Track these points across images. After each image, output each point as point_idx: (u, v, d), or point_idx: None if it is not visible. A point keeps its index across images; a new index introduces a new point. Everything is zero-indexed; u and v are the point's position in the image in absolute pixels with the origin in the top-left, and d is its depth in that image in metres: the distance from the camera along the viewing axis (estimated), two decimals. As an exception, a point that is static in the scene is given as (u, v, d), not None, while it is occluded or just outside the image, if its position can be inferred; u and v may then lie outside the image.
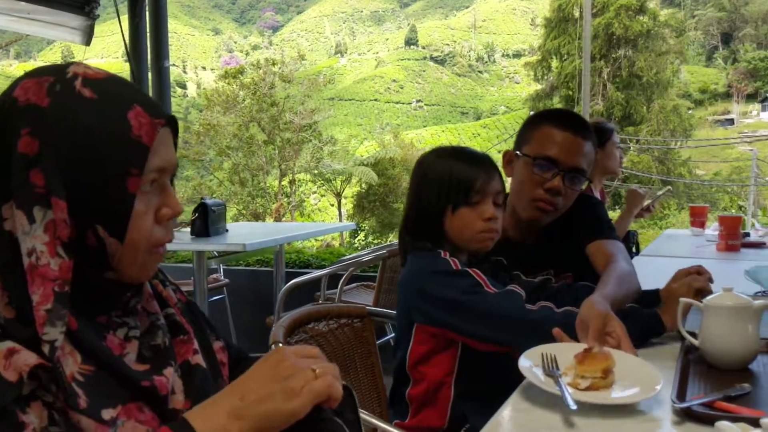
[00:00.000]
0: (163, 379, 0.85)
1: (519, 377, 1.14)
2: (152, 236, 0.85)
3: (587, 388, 1.02)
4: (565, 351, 1.13)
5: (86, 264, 0.81)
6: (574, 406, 0.96)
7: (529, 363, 1.09)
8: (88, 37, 4.66)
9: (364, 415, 1.40)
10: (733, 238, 2.83)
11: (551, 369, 1.07)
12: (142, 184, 0.82)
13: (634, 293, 1.56)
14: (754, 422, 0.77)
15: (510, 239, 1.85)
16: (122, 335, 0.86)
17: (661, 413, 1.03)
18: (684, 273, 1.56)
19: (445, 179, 1.51)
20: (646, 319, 1.43)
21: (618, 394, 1.04)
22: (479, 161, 1.54)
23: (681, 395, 1.11)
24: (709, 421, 0.92)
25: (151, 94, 4.93)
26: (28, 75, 0.84)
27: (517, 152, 1.83)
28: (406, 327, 1.54)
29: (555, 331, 1.28)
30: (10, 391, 0.71)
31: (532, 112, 2.31)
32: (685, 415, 1.02)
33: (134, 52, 4.87)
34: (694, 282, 1.50)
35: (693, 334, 1.36)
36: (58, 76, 0.82)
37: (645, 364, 1.16)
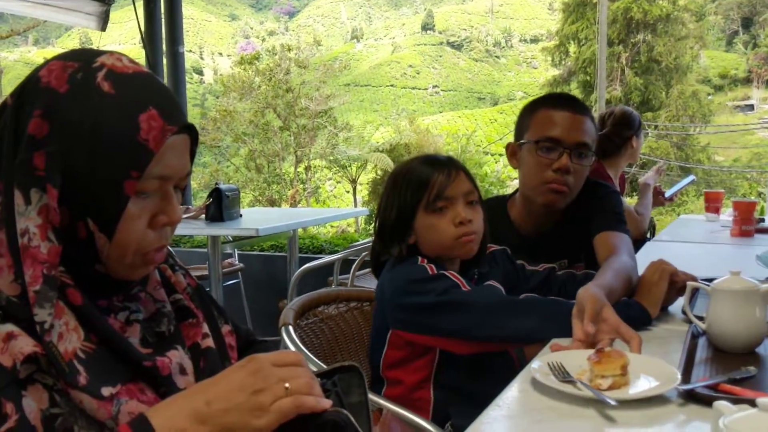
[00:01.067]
0: (165, 360, 0.86)
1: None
2: (143, 240, 0.84)
3: (609, 387, 1.03)
4: (569, 358, 1.13)
5: (77, 253, 0.82)
6: (613, 402, 0.96)
7: (541, 372, 1.08)
8: (103, 23, 4.69)
9: (372, 396, 1.42)
10: (747, 224, 2.81)
11: (564, 376, 1.06)
12: (139, 188, 0.82)
13: (631, 287, 1.52)
14: (754, 403, 0.77)
15: (521, 233, 1.85)
16: (123, 319, 0.88)
17: (667, 394, 1.04)
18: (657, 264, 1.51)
19: (407, 182, 1.46)
20: (635, 310, 1.40)
21: (645, 387, 1.04)
22: (441, 164, 1.46)
23: (686, 378, 1.11)
24: (711, 402, 0.92)
25: (165, 79, 4.96)
26: (59, 56, 0.84)
27: (520, 142, 1.82)
28: (382, 330, 1.49)
29: (553, 347, 1.24)
30: (4, 376, 0.73)
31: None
32: (689, 396, 1.03)
33: (149, 38, 4.91)
34: (666, 266, 1.47)
35: (700, 318, 1.36)
36: (83, 63, 0.83)
37: (646, 356, 1.16)
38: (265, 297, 4.44)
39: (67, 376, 0.76)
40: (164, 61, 5.00)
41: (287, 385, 0.77)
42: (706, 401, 0.98)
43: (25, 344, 0.75)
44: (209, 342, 0.94)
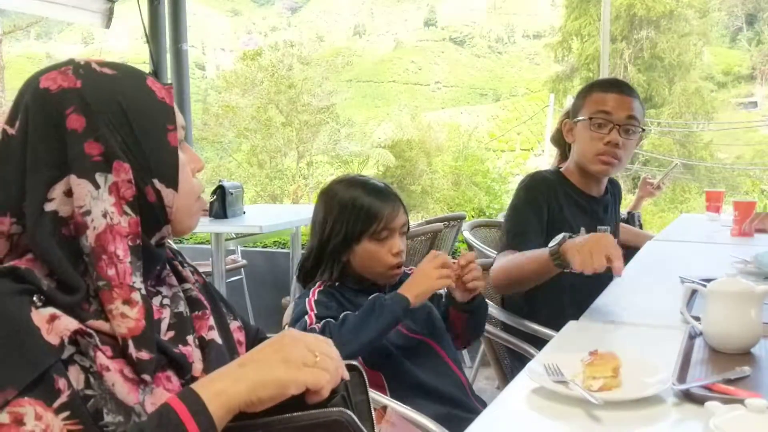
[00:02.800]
0: (189, 348, 0.91)
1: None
2: (195, 185, 0.96)
3: (600, 389, 1.05)
4: (567, 359, 1.15)
5: (145, 224, 0.89)
6: (597, 401, 0.99)
7: (539, 372, 1.12)
8: (107, 20, 4.70)
9: (373, 394, 1.44)
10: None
11: (558, 376, 1.09)
12: (179, 139, 0.93)
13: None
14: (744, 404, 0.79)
15: (584, 194, 2.12)
16: (158, 303, 0.93)
17: (662, 395, 1.06)
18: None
19: (353, 212, 1.55)
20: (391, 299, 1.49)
21: (636, 389, 1.06)
22: (386, 196, 1.58)
23: (682, 378, 1.14)
24: (705, 402, 0.94)
25: (169, 76, 4.97)
26: (41, 72, 0.90)
27: (575, 119, 2.07)
28: None
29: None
30: (52, 354, 0.77)
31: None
32: (684, 396, 1.05)
33: (153, 35, 4.91)
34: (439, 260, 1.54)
35: (697, 319, 1.38)
36: (74, 64, 0.90)
37: (640, 359, 1.19)
38: (267, 293, 4.47)
39: (138, 342, 0.82)
40: (168, 58, 5.01)
41: (317, 355, 0.82)
42: (699, 401, 1.01)
43: (70, 322, 0.79)
44: (214, 335, 0.98)
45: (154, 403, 0.82)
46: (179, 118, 0.94)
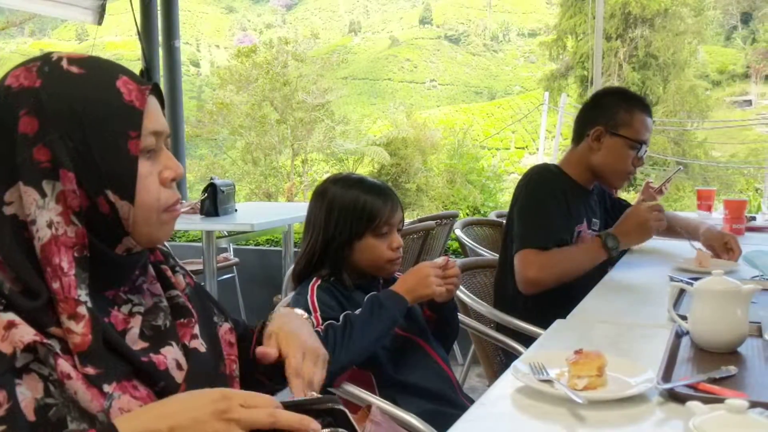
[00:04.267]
0: (160, 357, 0.88)
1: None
2: (161, 196, 0.89)
3: (585, 388, 1.05)
4: (553, 358, 1.16)
5: (102, 234, 0.85)
6: (581, 400, 0.99)
7: (524, 371, 1.12)
8: (99, 17, 4.69)
9: (357, 392, 1.44)
10: (738, 222, 2.83)
11: (543, 375, 1.10)
12: (141, 147, 0.86)
13: None
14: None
15: (583, 188, 2.19)
16: (126, 311, 0.90)
17: (647, 394, 1.06)
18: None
19: (356, 211, 1.60)
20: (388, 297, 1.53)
21: (620, 388, 1.07)
22: (386, 194, 1.64)
23: (667, 377, 1.14)
24: (688, 401, 0.94)
25: (161, 73, 4.96)
26: (15, 67, 0.88)
27: (614, 132, 2.09)
28: None
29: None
30: (1, 365, 0.75)
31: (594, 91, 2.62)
32: (669, 395, 1.05)
33: (145, 32, 4.90)
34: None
35: (684, 318, 1.38)
36: (44, 60, 0.87)
37: (624, 358, 1.20)
38: (259, 291, 4.46)
39: (87, 355, 0.79)
40: (160, 54, 5.00)
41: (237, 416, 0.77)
42: (683, 400, 1.01)
43: (26, 333, 0.77)
44: (196, 344, 0.96)
45: (121, 408, 0.81)
46: (154, 123, 0.88)
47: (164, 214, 0.90)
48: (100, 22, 4.72)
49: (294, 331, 1.06)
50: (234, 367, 1.05)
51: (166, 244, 1.06)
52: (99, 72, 0.87)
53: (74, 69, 0.86)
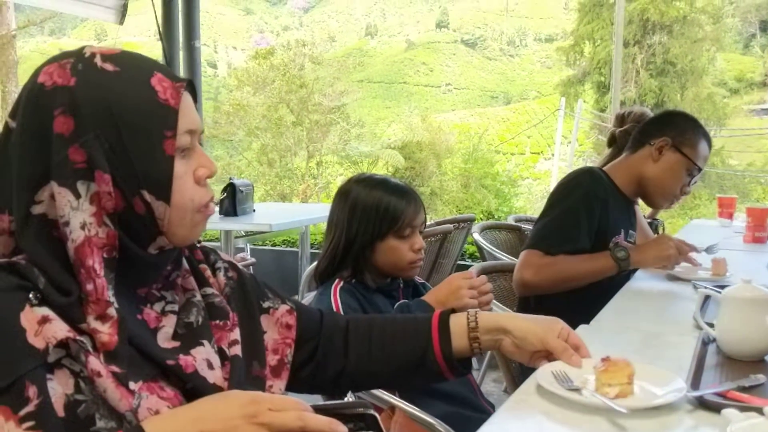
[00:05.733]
0: (189, 359, 0.88)
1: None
2: (196, 196, 0.88)
3: (616, 396, 1.03)
4: (572, 367, 1.13)
5: (136, 234, 0.85)
6: (625, 410, 0.97)
7: (549, 380, 1.09)
8: (121, 16, 4.71)
9: (381, 395, 1.44)
10: (760, 230, 2.81)
11: (569, 384, 1.07)
12: (177, 146, 0.85)
13: None
14: (761, 412, 0.78)
15: (627, 198, 2.17)
16: (159, 309, 0.90)
17: (675, 401, 1.05)
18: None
19: (378, 212, 1.60)
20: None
21: (651, 396, 1.05)
22: (409, 195, 1.64)
23: (695, 384, 1.13)
24: (720, 409, 0.93)
25: (182, 73, 4.98)
26: (47, 62, 0.87)
27: (678, 148, 2.07)
28: None
29: None
30: (34, 359, 0.75)
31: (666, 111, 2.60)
32: (698, 403, 1.04)
33: (166, 32, 4.93)
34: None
35: (711, 325, 1.37)
36: (77, 57, 0.85)
37: (648, 365, 1.17)
38: (275, 292, 4.47)
39: (112, 354, 0.79)
40: (180, 55, 5.03)
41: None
42: (714, 408, 0.99)
43: (60, 329, 0.77)
44: (237, 350, 0.95)
45: (150, 408, 0.81)
46: (189, 121, 0.87)
47: (197, 214, 0.90)
48: (121, 21, 4.75)
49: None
50: (287, 351, 1.05)
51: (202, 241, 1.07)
52: (133, 70, 0.86)
53: (108, 66, 0.85)
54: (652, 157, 2.09)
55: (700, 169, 2.09)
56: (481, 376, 3.19)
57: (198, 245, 1.03)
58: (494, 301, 2.03)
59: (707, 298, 1.51)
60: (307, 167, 20.24)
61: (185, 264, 0.98)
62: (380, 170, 22.03)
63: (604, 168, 2.21)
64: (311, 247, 4.32)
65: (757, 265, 2.08)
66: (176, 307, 0.92)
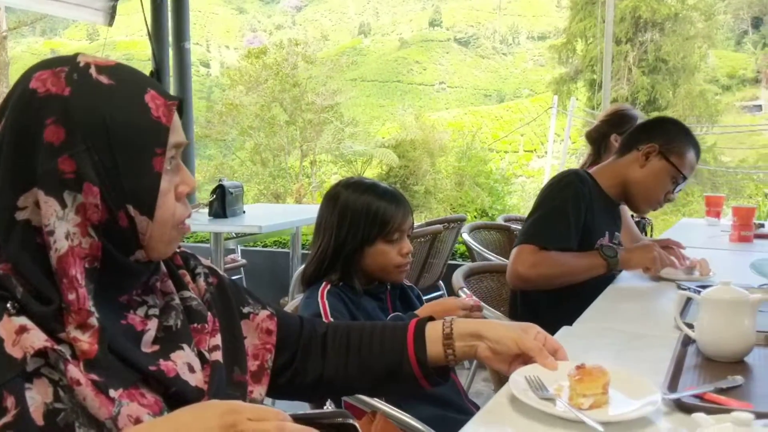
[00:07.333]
0: (170, 364, 0.88)
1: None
2: (176, 213, 0.89)
3: (591, 407, 1.01)
4: (547, 371, 1.10)
5: (117, 245, 0.85)
6: (601, 428, 0.93)
7: (521, 387, 1.05)
8: (110, 18, 4.71)
9: (364, 398, 1.44)
10: (746, 229, 2.82)
11: (543, 392, 1.04)
12: (164, 163, 0.86)
13: None
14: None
15: (611, 200, 2.19)
16: (143, 313, 0.91)
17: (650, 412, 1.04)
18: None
19: (368, 217, 1.61)
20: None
21: (625, 405, 1.03)
22: (398, 200, 1.66)
23: (673, 386, 1.14)
24: (695, 411, 0.94)
25: (171, 74, 4.98)
26: (39, 67, 0.86)
27: (665, 155, 2.08)
28: None
29: None
30: (11, 369, 0.75)
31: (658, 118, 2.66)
32: (675, 405, 1.05)
33: (155, 33, 4.92)
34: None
35: (690, 326, 1.38)
36: (71, 65, 0.85)
37: (624, 370, 1.14)
38: (267, 293, 4.45)
39: (93, 363, 0.79)
40: (170, 55, 5.01)
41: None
42: (690, 411, 1.00)
43: (37, 339, 0.77)
44: (217, 355, 0.96)
45: (130, 416, 0.81)
46: (176, 137, 0.88)
47: (175, 230, 0.91)
48: (110, 23, 4.74)
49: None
50: (268, 357, 1.05)
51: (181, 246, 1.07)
52: (128, 85, 0.86)
53: (103, 79, 0.85)
54: (639, 162, 2.11)
55: (685, 178, 2.10)
56: (471, 374, 3.20)
57: (178, 250, 1.03)
58: (483, 304, 2.05)
59: (689, 299, 1.52)
60: (301, 166, 20.23)
61: (163, 267, 0.98)
62: (374, 169, 22.04)
63: (591, 170, 2.22)
64: (303, 248, 4.32)
65: (742, 264, 2.09)
66: (157, 311, 0.93)
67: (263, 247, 5.15)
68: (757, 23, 46.62)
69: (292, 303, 1.76)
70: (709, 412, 0.82)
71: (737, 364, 1.27)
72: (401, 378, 1.11)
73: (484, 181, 18.52)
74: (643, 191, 2.13)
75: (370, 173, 22.63)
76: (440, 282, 3.95)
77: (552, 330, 1.55)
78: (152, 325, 0.90)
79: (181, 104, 0.92)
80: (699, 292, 1.39)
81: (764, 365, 1.27)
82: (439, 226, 3.56)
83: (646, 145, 2.10)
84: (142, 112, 0.85)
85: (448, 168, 20.92)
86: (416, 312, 1.59)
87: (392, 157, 20.65)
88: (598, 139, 2.76)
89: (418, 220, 5.35)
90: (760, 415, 0.91)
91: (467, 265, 2.33)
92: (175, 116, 0.90)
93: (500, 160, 27.81)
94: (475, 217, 13.88)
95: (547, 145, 23.81)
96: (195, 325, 0.96)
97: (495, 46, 52.23)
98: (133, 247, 0.87)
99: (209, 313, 0.99)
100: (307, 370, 1.11)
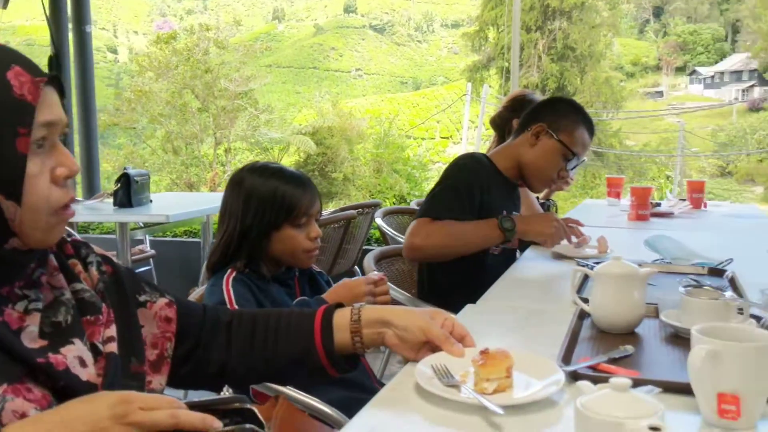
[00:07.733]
0: (59, 357, 0.85)
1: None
2: (51, 197, 0.84)
3: (495, 391, 1.00)
4: (454, 358, 1.10)
5: None
6: (501, 411, 0.92)
7: (427, 376, 1.04)
8: (3, 1, 4.46)
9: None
10: (643, 208, 2.96)
11: (449, 379, 1.03)
12: (31, 144, 0.81)
13: None
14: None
15: (510, 181, 2.22)
16: (22, 308, 0.86)
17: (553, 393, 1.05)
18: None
19: (275, 202, 1.59)
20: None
21: (528, 387, 1.03)
22: (305, 184, 1.64)
23: (567, 358, 1.18)
24: (596, 382, 0.96)
25: (72, 60, 4.76)
26: None
27: (553, 134, 2.11)
28: None
29: None
30: None
31: (550, 96, 2.72)
32: (572, 377, 1.08)
33: (54, 16, 4.70)
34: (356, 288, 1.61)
35: (585, 300, 1.43)
36: None
37: (527, 354, 1.14)
38: (177, 284, 4.37)
39: None
40: (70, 40, 4.80)
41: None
42: (586, 380, 1.04)
43: None
44: (112, 347, 0.93)
45: (15, 411, 0.78)
46: (47, 115, 0.83)
47: (54, 216, 0.86)
48: (4, 6, 4.49)
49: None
50: (167, 345, 1.03)
51: (75, 234, 1.02)
52: None
53: None
54: (529, 142, 2.15)
55: (576, 155, 2.13)
56: (386, 357, 3.23)
57: (69, 239, 0.99)
58: (392, 285, 2.07)
59: (587, 275, 1.58)
60: (215, 154, 19.81)
61: (53, 261, 0.94)
62: (292, 157, 21.86)
63: (489, 153, 2.27)
64: (213, 238, 4.24)
65: (639, 241, 2.19)
66: (40, 305, 0.88)
67: (173, 237, 5.02)
68: (658, 12, 48.81)
69: (198, 291, 1.72)
70: (595, 381, 0.85)
71: (629, 335, 1.33)
72: (308, 367, 1.10)
73: (402, 168, 18.67)
74: (535, 170, 2.17)
75: (288, 161, 22.43)
76: (356, 267, 3.96)
77: (458, 309, 1.58)
78: (32, 320, 0.86)
79: (60, 82, 0.88)
80: (593, 268, 1.44)
81: (653, 335, 1.34)
82: (352, 212, 3.56)
83: (534, 125, 2.15)
84: (3, 90, 0.80)
85: (366, 155, 20.98)
86: (323, 296, 1.58)
87: (310, 145, 20.51)
88: (501, 124, 2.82)
89: (337, 206, 5.35)
90: (644, 381, 0.97)
91: (378, 248, 2.35)
92: (50, 94, 0.85)
93: (417, 146, 28.09)
94: (393, 203, 13.97)
95: (462, 131, 24.22)
96: (88, 317, 0.93)
97: (410, 33, 52.61)
98: (5, 235, 0.83)
99: (103, 304, 0.96)
100: (210, 359, 1.09)
